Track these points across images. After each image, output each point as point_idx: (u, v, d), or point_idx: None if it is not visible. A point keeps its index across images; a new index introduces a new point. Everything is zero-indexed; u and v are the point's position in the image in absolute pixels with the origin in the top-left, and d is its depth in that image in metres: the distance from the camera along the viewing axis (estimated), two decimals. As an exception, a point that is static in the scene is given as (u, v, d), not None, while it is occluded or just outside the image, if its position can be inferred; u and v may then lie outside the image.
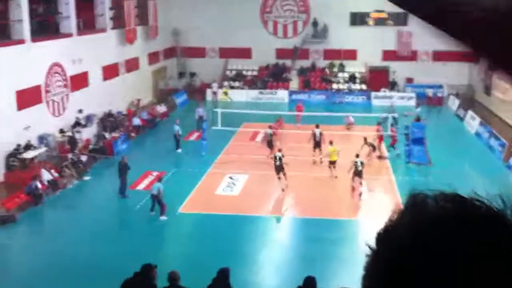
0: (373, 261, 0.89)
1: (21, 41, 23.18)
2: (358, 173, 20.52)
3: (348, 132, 28.35)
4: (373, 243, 0.90)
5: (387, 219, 0.90)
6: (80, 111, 27.16)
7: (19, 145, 21.92)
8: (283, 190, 20.79)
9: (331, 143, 22.47)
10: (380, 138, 25.52)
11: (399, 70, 39.98)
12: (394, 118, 28.76)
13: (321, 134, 24.17)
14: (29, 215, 19.14)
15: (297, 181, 21.55)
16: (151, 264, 9.78)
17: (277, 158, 20.94)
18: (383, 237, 0.89)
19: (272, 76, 40.92)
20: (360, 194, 20.59)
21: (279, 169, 20.81)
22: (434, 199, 0.86)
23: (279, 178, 20.86)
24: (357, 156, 21.09)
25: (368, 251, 0.90)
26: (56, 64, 25.72)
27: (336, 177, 21.87)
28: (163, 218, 18.34)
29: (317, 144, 24.09)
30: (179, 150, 25.75)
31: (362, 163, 20.84)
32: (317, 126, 24.71)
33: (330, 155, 22.19)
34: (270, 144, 24.48)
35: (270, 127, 25.58)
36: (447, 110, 36.50)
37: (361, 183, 20.69)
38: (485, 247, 0.80)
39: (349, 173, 20.78)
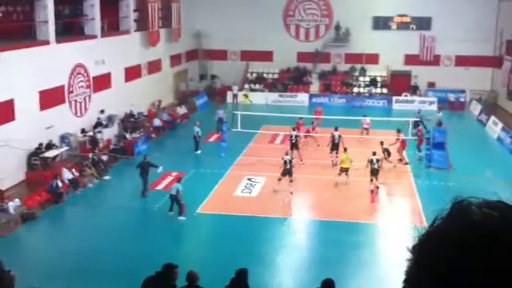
0: (416, 267, 0.88)
1: (46, 42, 23.51)
2: (374, 172, 20.47)
3: (366, 136, 28.16)
4: (414, 248, 0.90)
5: (430, 224, 0.90)
6: (102, 111, 27.45)
7: (41, 144, 22.22)
8: (291, 193, 20.67)
9: (345, 149, 22.24)
10: (402, 144, 25.11)
11: (421, 74, 39.68)
12: (422, 122, 28.51)
13: (339, 136, 24.11)
14: (49, 213, 19.39)
15: (314, 184, 21.50)
16: (172, 264, 9.80)
17: (287, 161, 20.92)
18: (427, 243, 0.88)
19: (293, 79, 40.91)
20: (377, 191, 20.45)
21: (286, 172, 20.82)
22: (478, 206, 0.86)
23: (279, 180, 20.84)
24: (374, 154, 21.24)
25: (409, 256, 0.90)
26: (80, 65, 26.03)
27: (346, 183, 21.66)
28: (182, 218, 18.44)
29: (335, 146, 24.04)
30: (198, 152, 25.85)
31: (378, 160, 20.85)
32: (336, 129, 24.66)
33: (342, 161, 21.88)
34: (296, 146, 24.57)
35: (294, 129, 25.65)
36: (469, 115, 36.09)
37: (377, 180, 20.53)
38: None
39: (365, 171, 20.77)
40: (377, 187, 20.57)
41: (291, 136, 24.74)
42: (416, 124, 27.70)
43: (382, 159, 22.08)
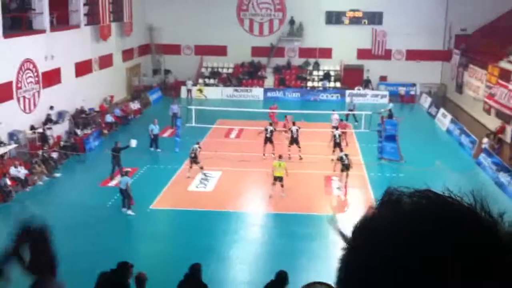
0: (349, 254, 0.91)
1: (-8, 37, 22.81)
2: (345, 167, 20.62)
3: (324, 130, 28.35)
4: (349, 236, 0.92)
5: (364, 214, 0.93)
6: (51, 107, 26.80)
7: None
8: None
9: (280, 157, 20.81)
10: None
11: (373, 68, 40.33)
12: (354, 116, 29.47)
13: (297, 130, 24.33)
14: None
15: (269, 178, 21.56)
16: (127, 263, 9.63)
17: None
18: (360, 231, 0.91)
19: (248, 74, 40.94)
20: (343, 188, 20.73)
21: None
22: (409, 196, 0.89)
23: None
24: (341, 150, 21.75)
25: (345, 244, 0.93)
26: (28, 61, 25.34)
27: (282, 196, 20.02)
28: (131, 213, 18.20)
29: (294, 141, 24.22)
30: (152, 149, 25.52)
31: (347, 155, 20.99)
32: (293, 123, 24.90)
33: (274, 170, 19.98)
34: (270, 140, 24.54)
35: (271, 123, 25.64)
36: (419, 107, 36.96)
37: (347, 176, 20.65)
38: (456, 241, 0.82)
39: (334, 167, 20.96)
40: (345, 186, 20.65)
41: (266, 130, 24.53)
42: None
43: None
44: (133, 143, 22.12)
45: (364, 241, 0.89)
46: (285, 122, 27.02)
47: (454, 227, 0.84)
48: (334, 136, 24.49)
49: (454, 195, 0.89)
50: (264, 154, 24.21)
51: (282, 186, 19.84)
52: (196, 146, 22.25)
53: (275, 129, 25.35)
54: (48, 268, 1.59)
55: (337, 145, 24.09)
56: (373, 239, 0.87)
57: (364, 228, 0.91)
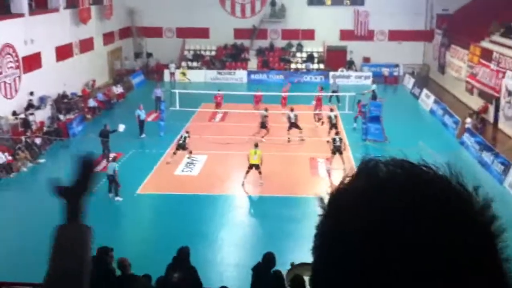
0: (325, 221, 0.91)
1: (-30, 21, 22.37)
2: (337, 150, 20.87)
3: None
4: (325, 203, 0.93)
5: (340, 181, 0.93)
6: (31, 93, 26.43)
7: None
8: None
9: (256, 145, 20.15)
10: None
11: (356, 49, 40.34)
12: (337, 97, 29.61)
13: (295, 115, 24.61)
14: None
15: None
16: (107, 247, 9.60)
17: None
18: (335, 198, 0.91)
19: (231, 57, 40.71)
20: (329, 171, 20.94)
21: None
22: (384, 164, 0.90)
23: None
24: (337, 133, 21.95)
25: (321, 211, 0.93)
26: (8, 45, 24.92)
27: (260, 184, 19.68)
28: (118, 198, 18.15)
29: (293, 125, 24.56)
30: (143, 136, 25.19)
31: (340, 139, 21.26)
32: (291, 109, 25.20)
33: (249, 157, 19.53)
34: (263, 125, 24.64)
35: (266, 109, 25.47)
36: (403, 88, 37.12)
37: (342, 159, 20.86)
38: (429, 213, 0.82)
39: (330, 149, 21.16)
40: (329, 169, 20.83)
41: (289, 117, 24.57)
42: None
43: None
44: (121, 127, 22.04)
45: (338, 210, 0.89)
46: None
47: (428, 198, 0.84)
48: (330, 117, 24.74)
49: (430, 165, 0.89)
50: (288, 139, 24.45)
51: (259, 173, 19.44)
52: (186, 134, 22.21)
53: (266, 115, 25.11)
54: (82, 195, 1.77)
55: (333, 126, 24.30)
56: (346, 207, 0.87)
57: (338, 195, 0.91)
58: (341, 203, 0.90)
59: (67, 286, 1.65)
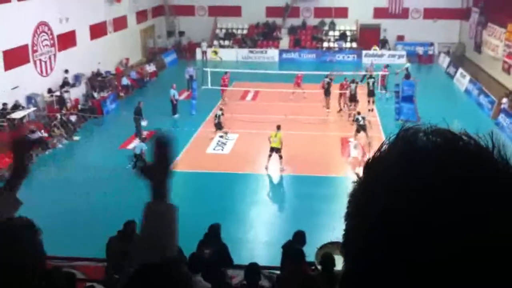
0: (359, 186, 0.89)
1: (7, 0, 22.72)
2: (361, 128, 21.08)
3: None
4: (361, 171, 0.90)
5: (377, 148, 0.90)
6: (66, 71, 26.85)
7: (5, 104, 21.71)
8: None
9: (278, 127, 19.45)
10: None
11: (390, 28, 39.67)
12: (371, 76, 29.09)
13: (356, 87, 25.13)
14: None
15: (287, 139, 21.58)
16: (129, 221, 9.83)
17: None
18: (371, 166, 0.88)
19: (262, 35, 40.52)
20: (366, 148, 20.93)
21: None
22: (425, 133, 0.86)
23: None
24: (359, 113, 21.94)
25: (356, 179, 0.91)
26: (43, 23, 25.31)
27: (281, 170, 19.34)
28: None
29: (353, 98, 25.03)
30: (176, 116, 25.32)
31: (364, 118, 21.29)
32: (352, 81, 25.55)
33: (270, 140, 19.12)
34: (327, 92, 25.61)
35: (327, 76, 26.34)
36: (438, 68, 36.44)
37: (367, 136, 21.11)
38: (469, 184, 0.79)
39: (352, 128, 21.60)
40: (368, 143, 20.79)
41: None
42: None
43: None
44: (144, 122, 22.21)
45: (371, 176, 0.87)
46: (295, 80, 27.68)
47: (468, 171, 0.80)
48: (351, 88, 24.97)
49: (472, 136, 0.85)
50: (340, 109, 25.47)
51: (280, 157, 19.02)
52: (220, 112, 22.36)
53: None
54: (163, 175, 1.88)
55: (352, 98, 24.76)
56: (381, 174, 0.85)
57: (373, 162, 0.88)
58: (375, 170, 0.87)
59: (156, 256, 1.77)
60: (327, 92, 25.64)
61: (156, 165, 1.83)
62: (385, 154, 0.88)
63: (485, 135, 0.86)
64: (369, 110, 24.81)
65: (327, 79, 26.09)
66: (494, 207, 0.78)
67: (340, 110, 25.61)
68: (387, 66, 30.27)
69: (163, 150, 1.83)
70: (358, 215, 0.88)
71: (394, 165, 0.84)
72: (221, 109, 22.77)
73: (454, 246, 0.77)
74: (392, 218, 0.81)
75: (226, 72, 28.26)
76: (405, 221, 0.80)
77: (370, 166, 0.89)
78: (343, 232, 0.92)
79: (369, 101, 25.52)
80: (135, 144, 19.51)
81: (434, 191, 0.79)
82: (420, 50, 38.08)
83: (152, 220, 1.83)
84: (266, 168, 19.51)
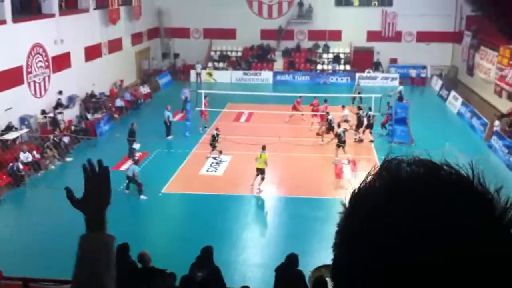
0: (346, 219, 0.91)
1: (2, 22, 22.82)
2: (342, 143, 21.61)
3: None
4: (347, 201, 0.93)
5: (362, 180, 0.92)
6: (60, 92, 26.88)
7: (-1, 127, 21.71)
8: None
9: (263, 148, 19.59)
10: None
11: (383, 50, 40.02)
12: (360, 98, 29.33)
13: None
14: (11, 196, 19.03)
15: (280, 161, 21.61)
16: (125, 243, 9.73)
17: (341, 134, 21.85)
18: (358, 196, 0.91)
19: (257, 57, 40.79)
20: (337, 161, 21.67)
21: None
22: (407, 163, 0.89)
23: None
24: (339, 126, 22.42)
25: (342, 209, 0.93)
26: (38, 45, 25.39)
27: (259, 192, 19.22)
28: (143, 197, 18.36)
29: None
30: (170, 137, 25.20)
31: (344, 132, 21.94)
32: (343, 107, 26.11)
33: (257, 160, 19.14)
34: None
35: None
36: (430, 90, 36.69)
37: (345, 152, 21.78)
38: (452, 210, 0.82)
39: (331, 143, 22.12)
40: (348, 160, 21.61)
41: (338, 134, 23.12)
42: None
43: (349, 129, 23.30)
44: (137, 146, 22.22)
45: (358, 208, 0.89)
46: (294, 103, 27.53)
47: (449, 199, 0.83)
48: (369, 117, 24.92)
49: (453, 166, 0.88)
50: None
51: (262, 179, 18.98)
52: (215, 132, 22.46)
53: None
54: (99, 206, 1.78)
55: (370, 126, 24.89)
56: (367, 206, 0.87)
57: (359, 194, 0.91)
58: (361, 202, 0.89)
59: None
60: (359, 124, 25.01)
61: (87, 197, 1.74)
62: (370, 186, 0.90)
63: (465, 165, 0.89)
64: (370, 141, 24.82)
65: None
66: (471, 236, 0.81)
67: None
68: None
69: (93, 181, 1.75)
70: (345, 246, 0.90)
71: (379, 198, 0.86)
72: (217, 129, 22.82)
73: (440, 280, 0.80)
74: (379, 250, 0.83)
75: (205, 96, 27.88)
76: (392, 254, 0.82)
77: (356, 198, 0.91)
78: (332, 262, 0.93)
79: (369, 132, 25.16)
80: (128, 166, 19.46)
81: (420, 221, 0.82)
82: (413, 72, 38.39)
83: (87, 253, 1.71)
84: (252, 186, 19.32)
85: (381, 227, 0.83)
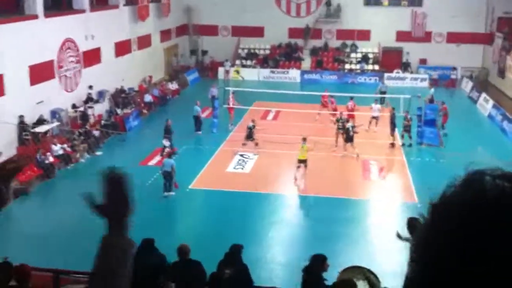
0: (428, 232, 0.89)
1: (34, 17, 23.18)
2: (349, 138, 21.96)
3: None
4: (425, 214, 0.90)
5: (443, 192, 0.90)
6: (91, 87, 27.22)
7: (22, 117, 21.94)
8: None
9: (304, 139, 19.95)
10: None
11: (412, 51, 39.60)
12: (383, 98, 29.08)
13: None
14: (41, 188, 19.35)
15: (310, 161, 21.54)
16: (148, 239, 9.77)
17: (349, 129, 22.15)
18: (441, 210, 0.88)
19: (284, 56, 40.73)
20: (358, 156, 21.86)
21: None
22: (491, 176, 0.86)
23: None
24: (348, 121, 22.68)
25: (420, 221, 0.91)
26: (69, 40, 25.74)
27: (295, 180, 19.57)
28: (170, 193, 18.40)
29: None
30: (200, 132, 25.48)
31: (353, 127, 22.19)
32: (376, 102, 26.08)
33: (299, 151, 19.67)
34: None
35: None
36: (460, 92, 36.19)
37: (353, 147, 22.05)
38: None
39: (339, 138, 22.55)
40: (357, 155, 21.86)
41: (346, 128, 22.69)
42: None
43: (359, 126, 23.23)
44: (166, 143, 22.31)
45: (442, 221, 0.87)
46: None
47: None
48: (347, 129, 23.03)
49: None
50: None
51: (304, 168, 19.31)
52: (252, 124, 22.75)
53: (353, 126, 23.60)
54: (120, 213, 1.73)
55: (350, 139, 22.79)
56: (452, 220, 0.85)
57: (442, 207, 0.89)
58: (447, 214, 0.87)
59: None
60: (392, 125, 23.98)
61: (108, 203, 1.71)
62: (453, 200, 0.88)
63: None
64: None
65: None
66: None
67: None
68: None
69: (114, 186, 1.71)
70: (428, 261, 0.87)
71: (465, 213, 0.84)
72: (253, 121, 22.98)
73: None
74: (464, 269, 0.81)
75: (232, 93, 28.06)
76: (487, 265, 0.80)
77: (439, 210, 0.89)
78: (407, 276, 0.91)
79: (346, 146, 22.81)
80: (163, 161, 19.49)
81: (506, 246, 0.80)
82: (435, 74, 37.70)
83: (109, 254, 1.69)
84: (295, 179, 19.49)
85: (469, 243, 0.81)
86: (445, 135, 24.79)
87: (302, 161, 19.37)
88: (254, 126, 22.65)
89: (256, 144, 22.41)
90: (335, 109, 26.52)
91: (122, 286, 1.68)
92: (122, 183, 1.72)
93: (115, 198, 1.71)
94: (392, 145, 23.72)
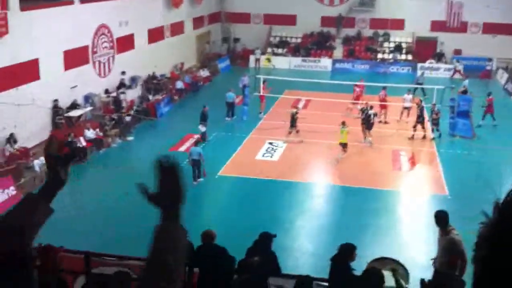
0: (496, 229, 0.89)
1: (70, 2, 23.51)
2: (369, 126, 22.22)
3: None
4: (492, 211, 0.90)
5: (510, 190, 0.89)
6: (123, 72, 27.52)
7: (57, 101, 22.30)
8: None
9: (343, 123, 20.77)
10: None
11: (447, 41, 38.90)
12: (422, 89, 28.62)
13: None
14: (73, 171, 19.64)
15: (337, 150, 21.48)
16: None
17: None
18: (510, 207, 0.88)
19: (316, 44, 40.45)
20: (371, 144, 22.08)
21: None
22: None
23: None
24: (371, 107, 22.62)
25: (486, 220, 0.91)
26: (103, 26, 26.04)
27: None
28: (200, 180, 18.50)
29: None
30: (233, 118, 25.75)
31: (375, 115, 22.46)
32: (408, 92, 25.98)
33: (341, 135, 20.65)
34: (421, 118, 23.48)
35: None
36: (495, 83, 35.43)
37: (370, 134, 22.32)
38: None
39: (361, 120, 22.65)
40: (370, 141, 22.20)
41: (368, 115, 22.58)
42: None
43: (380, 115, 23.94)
44: (202, 128, 22.42)
45: (507, 221, 0.86)
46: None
47: None
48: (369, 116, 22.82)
49: None
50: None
51: (344, 151, 20.62)
52: (294, 110, 22.87)
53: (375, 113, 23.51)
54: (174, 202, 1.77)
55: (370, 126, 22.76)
56: None
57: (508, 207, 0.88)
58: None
59: (165, 277, 1.69)
60: (421, 119, 23.21)
61: (162, 192, 1.74)
62: None
63: None
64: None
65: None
66: None
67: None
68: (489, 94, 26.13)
69: (168, 175, 1.74)
70: (498, 258, 0.87)
71: None
72: (296, 107, 23.12)
73: None
74: None
75: (264, 82, 28.12)
76: None
77: (508, 209, 0.88)
78: (476, 274, 0.90)
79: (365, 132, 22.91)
80: (191, 149, 19.60)
81: None
82: (458, 66, 36.86)
83: (163, 242, 1.72)
84: (337, 161, 20.54)
85: None
86: (479, 126, 24.33)
87: (343, 145, 20.49)
88: (296, 113, 22.71)
89: (297, 132, 22.45)
90: (357, 98, 26.34)
91: (177, 274, 1.70)
92: (176, 172, 1.74)
93: (168, 187, 1.74)
94: (424, 137, 23.38)
